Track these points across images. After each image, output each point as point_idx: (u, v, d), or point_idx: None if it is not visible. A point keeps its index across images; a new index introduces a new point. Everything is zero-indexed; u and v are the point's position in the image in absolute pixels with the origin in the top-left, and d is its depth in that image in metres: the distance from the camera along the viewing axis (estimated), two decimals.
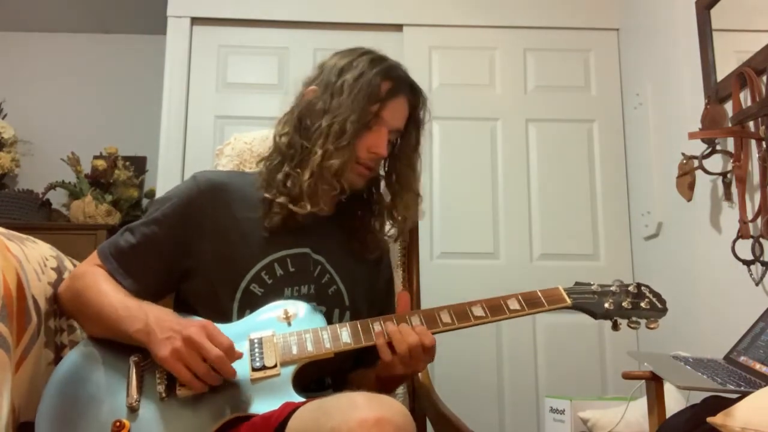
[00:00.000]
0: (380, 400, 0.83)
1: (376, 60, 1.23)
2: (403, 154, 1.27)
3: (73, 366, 1.06)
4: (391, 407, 0.82)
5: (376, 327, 1.09)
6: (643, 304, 1.16)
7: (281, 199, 1.18)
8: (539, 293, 1.16)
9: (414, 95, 1.26)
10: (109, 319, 1.07)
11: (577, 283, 1.20)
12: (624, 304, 1.16)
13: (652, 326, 1.16)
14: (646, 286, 1.20)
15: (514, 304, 1.14)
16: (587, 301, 1.17)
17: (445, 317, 1.12)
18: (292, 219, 1.18)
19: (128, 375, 1.03)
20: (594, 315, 1.17)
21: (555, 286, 1.18)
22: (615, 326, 1.17)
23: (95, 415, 0.98)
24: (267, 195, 1.19)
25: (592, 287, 1.19)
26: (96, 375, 1.04)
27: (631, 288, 1.19)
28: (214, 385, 1.00)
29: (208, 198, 1.19)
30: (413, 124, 1.27)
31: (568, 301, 1.16)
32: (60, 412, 0.99)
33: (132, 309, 1.06)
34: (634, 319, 1.16)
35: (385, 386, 1.17)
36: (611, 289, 1.19)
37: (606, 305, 1.16)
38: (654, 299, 1.18)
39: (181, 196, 1.20)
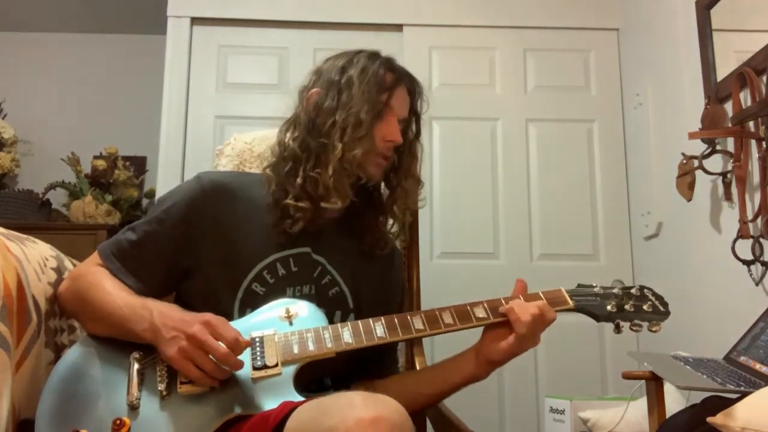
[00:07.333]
0: (377, 400, 0.83)
1: (375, 54, 1.26)
2: (406, 144, 1.28)
3: (73, 363, 1.05)
4: (389, 406, 0.82)
5: (378, 329, 1.09)
6: (645, 307, 1.15)
7: (304, 204, 1.18)
8: (541, 295, 1.15)
9: (412, 85, 1.27)
10: (113, 318, 1.06)
11: (579, 285, 1.19)
12: (626, 306, 1.15)
13: (654, 329, 1.14)
14: (649, 289, 1.19)
15: None
16: (590, 304, 1.16)
17: (447, 318, 1.12)
18: (312, 222, 1.19)
19: (129, 372, 1.03)
20: (596, 317, 1.15)
21: (557, 288, 1.17)
22: (617, 329, 1.15)
23: (95, 412, 0.98)
24: (289, 201, 1.18)
25: (595, 289, 1.18)
26: (96, 372, 1.04)
27: (633, 290, 1.18)
28: (223, 380, 1.00)
29: (210, 198, 1.19)
30: (413, 114, 1.29)
31: (571, 303, 1.15)
32: (60, 410, 0.99)
33: (136, 307, 1.06)
34: (636, 321, 1.15)
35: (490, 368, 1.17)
36: (614, 291, 1.18)
37: (608, 308, 1.15)
38: (657, 302, 1.17)
39: (184, 196, 1.19)
